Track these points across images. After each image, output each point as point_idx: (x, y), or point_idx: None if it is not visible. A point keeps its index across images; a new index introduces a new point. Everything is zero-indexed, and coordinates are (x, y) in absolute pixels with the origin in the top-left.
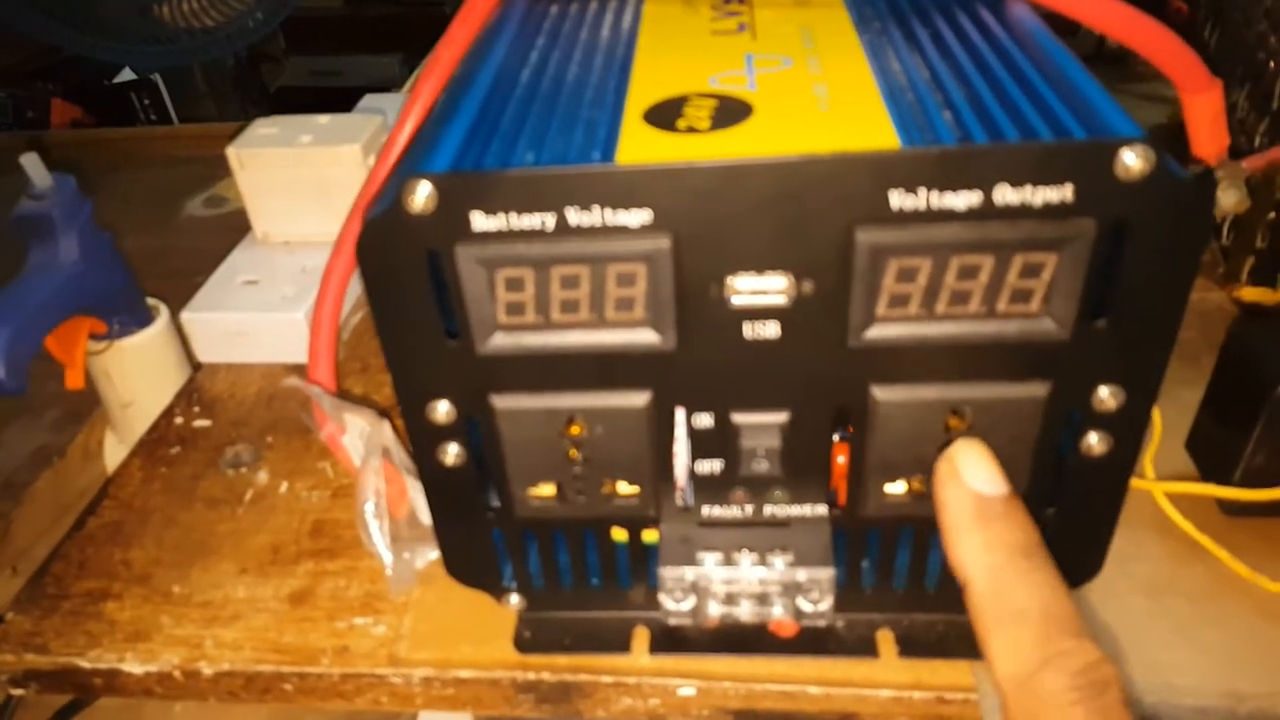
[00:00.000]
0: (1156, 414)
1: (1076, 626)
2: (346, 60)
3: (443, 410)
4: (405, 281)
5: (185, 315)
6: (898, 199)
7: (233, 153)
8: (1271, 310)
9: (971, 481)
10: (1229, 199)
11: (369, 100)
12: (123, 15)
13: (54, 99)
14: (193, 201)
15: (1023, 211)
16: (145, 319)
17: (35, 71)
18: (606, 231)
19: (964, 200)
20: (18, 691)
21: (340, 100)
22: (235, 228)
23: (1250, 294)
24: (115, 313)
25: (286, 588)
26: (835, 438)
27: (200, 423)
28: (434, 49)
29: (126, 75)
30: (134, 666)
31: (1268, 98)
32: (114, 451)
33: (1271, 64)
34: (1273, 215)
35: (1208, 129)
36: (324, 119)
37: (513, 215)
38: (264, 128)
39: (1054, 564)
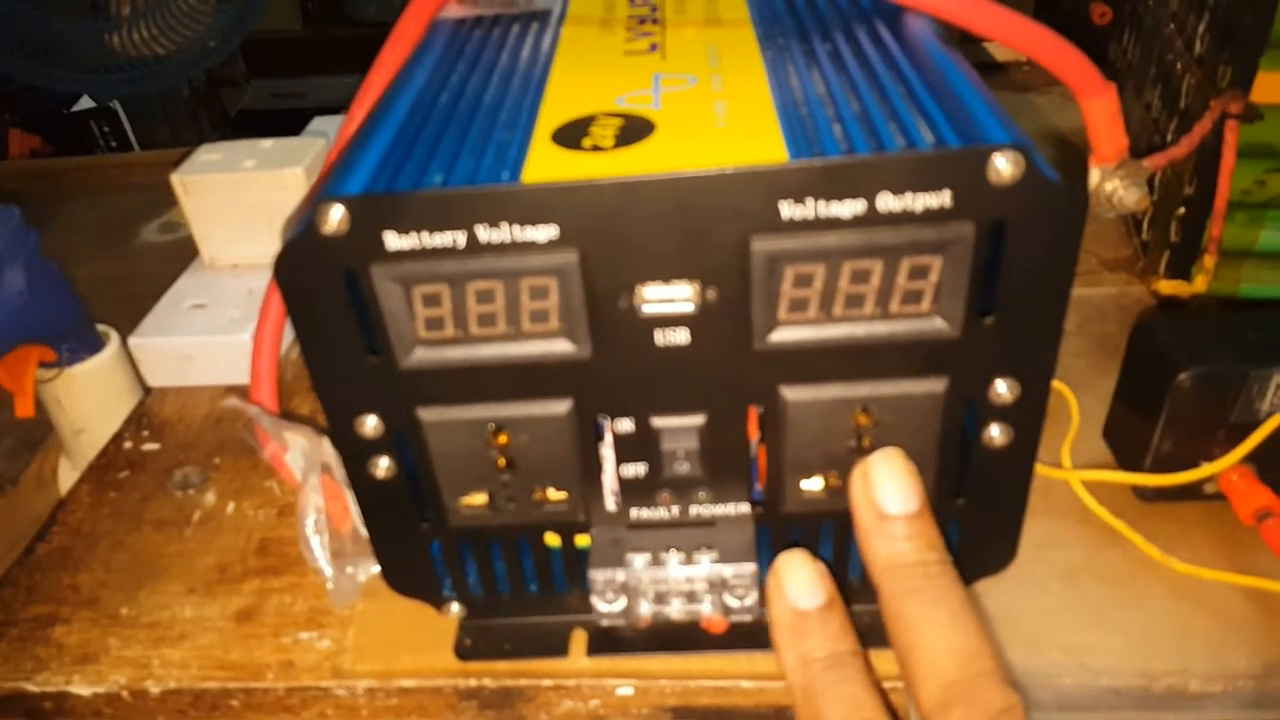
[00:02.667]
0: (1074, 404)
1: None
2: (308, 82)
3: (370, 425)
4: (325, 301)
5: (133, 340)
6: (788, 209)
7: (177, 179)
8: (1186, 302)
9: (790, 596)
10: (1131, 197)
11: (317, 123)
12: (76, 45)
13: (11, 129)
14: (148, 227)
15: (905, 217)
16: (95, 346)
17: None
18: (516, 247)
19: (849, 209)
20: None
21: (302, 122)
22: (191, 252)
23: (1166, 287)
24: (64, 340)
25: (233, 606)
26: (754, 438)
27: (149, 446)
28: (367, 73)
29: (85, 103)
30: (82, 689)
31: (1176, 97)
32: (68, 478)
33: (1179, 65)
34: (1183, 210)
35: (1106, 131)
36: (267, 143)
37: (425, 234)
38: (208, 154)
39: (867, 668)
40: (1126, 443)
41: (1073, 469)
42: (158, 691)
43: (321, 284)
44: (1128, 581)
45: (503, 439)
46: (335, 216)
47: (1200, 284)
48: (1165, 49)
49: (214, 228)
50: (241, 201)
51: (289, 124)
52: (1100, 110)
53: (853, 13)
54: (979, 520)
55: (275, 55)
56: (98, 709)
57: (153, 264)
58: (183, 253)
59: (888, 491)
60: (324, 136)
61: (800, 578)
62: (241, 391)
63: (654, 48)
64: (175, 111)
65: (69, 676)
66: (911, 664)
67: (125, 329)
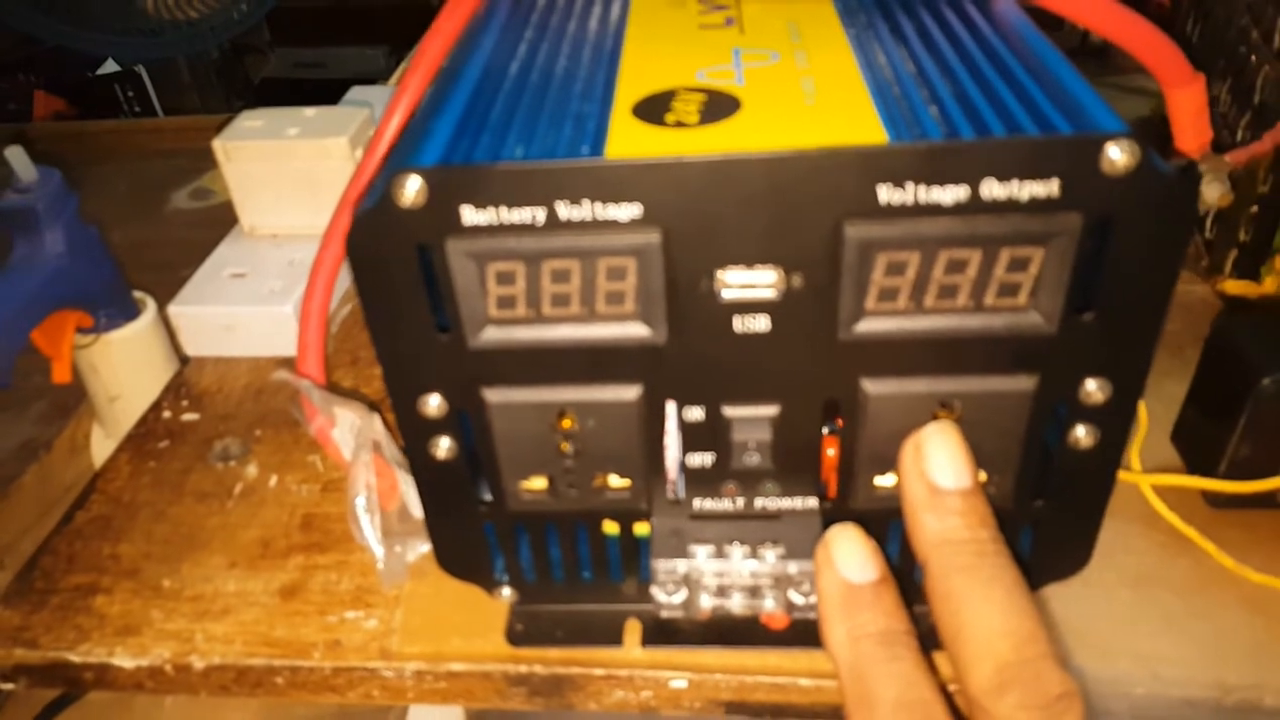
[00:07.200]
0: (1142, 407)
1: (932, 714)
2: (331, 52)
3: (434, 404)
4: (395, 276)
5: (173, 309)
6: (886, 193)
7: (219, 145)
8: (1254, 303)
9: (842, 569)
10: (1213, 193)
11: (355, 92)
12: (107, 7)
13: (36, 90)
14: (178, 194)
15: (1009, 206)
16: (132, 312)
17: (17, 63)
18: (597, 225)
19: (951, 195)
20: (7, 686)
21: (325, 92)
22: (222, 220)
23: (1233, 287)
24: (102, 306)
25: (277, 581)
26: (825, 430)
27: (188, 416)
28: (421, 41)
29: (110, 67)
30: (125, 661)
31: (1249, 92)
32: (101, 445)
33: (1253, 58)
34: (1255, 209)
35: (1191, 123)
36: (310, 111)
37: (503, 209)
38: (250, 120)
39: (918, 650)
40: (1199, 447)
41: (1142, 472)
42: (202, 666)
43: (393, 258)
44: (1199, 590)
45: (568, 423)
46: (412, 188)
47: (1270, 285)
48: (1238, 40)
49: (254, 195)
50: (284, 170)
51: (312, 93)
52: (1187, 101)
53: None
54: (1056, 523)
55: (299, 24)
56: (140, 681)
57: (184, 231)
58: (214, 220)
59: (941, 465)
60: (367, 106)
61: (853, 550)
62: (281, 363)
63: (730, 21)
64: (203, 77)
65: (111, 648)
66: (962, 645)
67: (158, 296)
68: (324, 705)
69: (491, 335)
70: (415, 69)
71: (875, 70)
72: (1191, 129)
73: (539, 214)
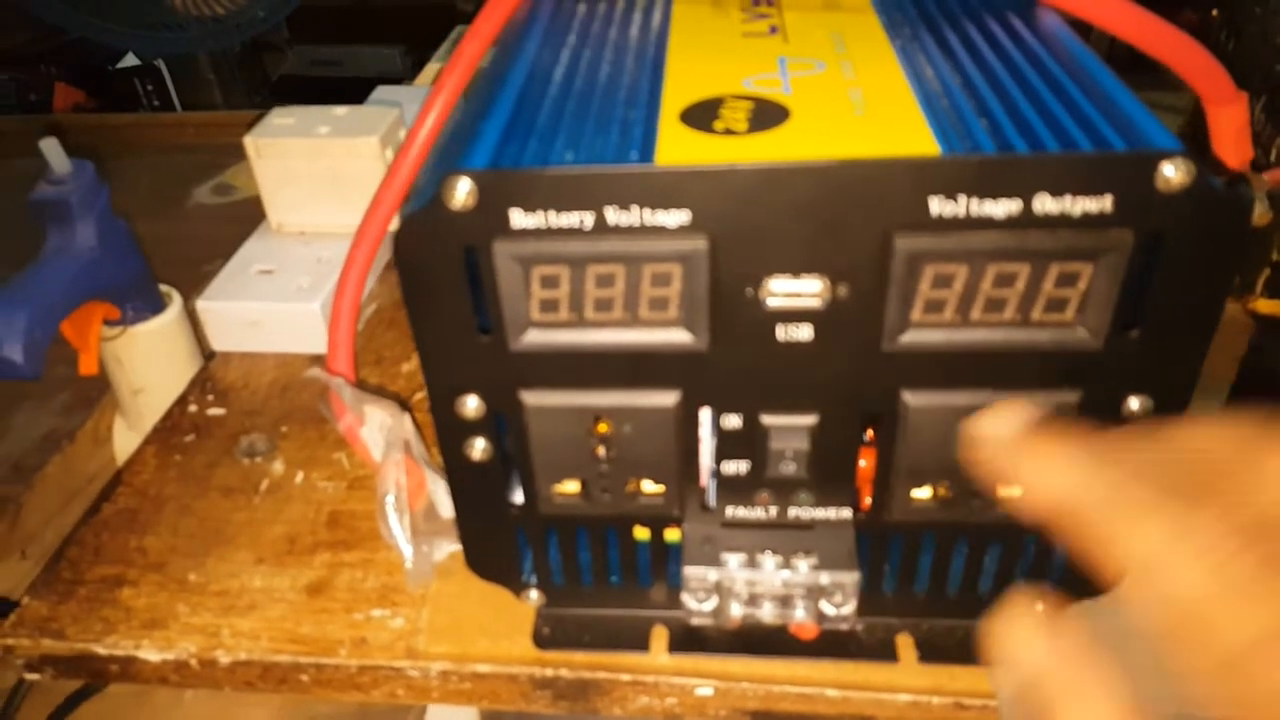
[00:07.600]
0: None
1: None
2: (349, 50)
3: (472, 405)
4: (441, 277)
5: (201, 303)
6: (938, 205)
7: (250, 142)
8: None
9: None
10: (1253, 212)
11: (382, 92)
12: (133, 1)
13: (57, 83)
14: (200, 189)
15: (1061, 221)
16: (158, 306)
17: (39, 54)
18: (644, 231)
19: (1003, 208)
20: (33, 676)
21: (342, 90)
22: (244, 216)
23: (1265, 306)
24: (129, 299)
25: (303, 578)
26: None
27: (214, 411)
28: (459, 43)
29: (130, 60)
30: (150, 654)
31: None
32: (123, 438)
33: None
34: None
35: (1232, 141)
36: (341, 110)
37: (551, 213)
38: (281, 118)
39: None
40: None
41: None
42: (227, 662)
43: (440, 259)
44: None
45: (603, 427)
46: (462, 191)
47: None
48: (1273, 59)
49: (284, 192)
50: (313, 168)
51: (329, 91)
52: (1229, 119)
53: (980, 2)
54: None
55: (318, 22)
56: (165, 675)
57: (206, 226)
58: (237, 216)
59: (995, 424)
60: (397, 106)
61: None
62: (308, 360)
63: (774, 30)
64: (224, 72)
65: (138, 641)
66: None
67: (180, 290)
68: (343, 703)
69: (533, 338)
70: (451, 70)
71: (923, 81)
72: (1233, 146)
73: (587, 218)
